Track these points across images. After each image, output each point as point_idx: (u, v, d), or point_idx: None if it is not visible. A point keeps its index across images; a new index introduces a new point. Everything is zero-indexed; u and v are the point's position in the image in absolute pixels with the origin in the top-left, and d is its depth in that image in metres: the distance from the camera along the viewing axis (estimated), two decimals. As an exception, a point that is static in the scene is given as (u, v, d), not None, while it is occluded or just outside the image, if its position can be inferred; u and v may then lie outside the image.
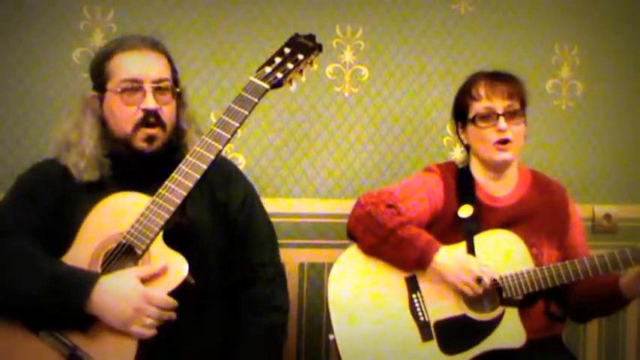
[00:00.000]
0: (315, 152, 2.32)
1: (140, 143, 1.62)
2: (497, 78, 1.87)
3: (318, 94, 2.31)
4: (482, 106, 1.84)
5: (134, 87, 1.60)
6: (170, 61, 1.70)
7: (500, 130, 1.81)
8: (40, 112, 2.12)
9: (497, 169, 1.88)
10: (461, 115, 1.92)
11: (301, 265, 2.30)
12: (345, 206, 2.20)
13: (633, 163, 2.54)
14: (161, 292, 1.46)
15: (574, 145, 2.50)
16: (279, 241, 1.82)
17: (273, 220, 1.81)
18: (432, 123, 2.39)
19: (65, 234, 1.55)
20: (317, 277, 2.30)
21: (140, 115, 1.60)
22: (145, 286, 1.46)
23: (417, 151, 2.38)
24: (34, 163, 1.72)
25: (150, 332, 1.43)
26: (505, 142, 1.82)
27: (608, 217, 2.48)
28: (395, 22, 2.36)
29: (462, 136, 1.94)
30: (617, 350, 2.54)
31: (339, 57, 2.32)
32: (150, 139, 1.62)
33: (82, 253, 1.52)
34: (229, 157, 2.19)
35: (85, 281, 1.46)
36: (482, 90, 1.85)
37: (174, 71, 1.70)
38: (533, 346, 1.75)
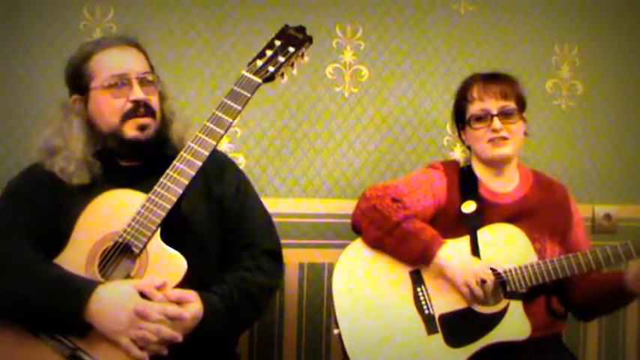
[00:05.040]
0: (315, 152, 2.31)
1: (132, 132, 1.62)
2: (491, 79, 1.89)
3: (318, 94, 2.31)
4: (477, 108, 1.86)
5: (122, 81, 1.61)
6: (146, 56, 1.71)
7: (495, 130, 1.83)
8: (40, 112, 2.11)
9: (497, 165, 1.89)
10: (459, 118, 1.95)
11: (301, 265, 2.29)
12: (345, 206, 2.20)
13: (633, 163, 2.53)
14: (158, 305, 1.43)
15: (574, 145, 2.49)
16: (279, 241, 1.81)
17: (273, 220, 1.81)
18: (432, 123, 2.39)
19: (60, 234, 1.54)
20: (317, 277, 2.30)
21: (129, 106, 1.61)
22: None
23: (417, 151, 2.38)
24: (24, 168, 1.72)
25: (141, 353, 1.40)
26: (501, 139, 1.84)
27: (608, 217, 2.48)
28: (395, 22, 2.35)
29: (463, 138, 1.97)
30: (617, 350, 2.53)
31: (339, 57, 2.32)
32: (142, 127, 1.62)
33: (77, 253, 1.51)
34: (229, 157, 2.19)
35: (83, 289, 1.44)
36: (475, 92, 1.87)
37: (151, 66, 1.72)
38: (534, 344, 1.76)
